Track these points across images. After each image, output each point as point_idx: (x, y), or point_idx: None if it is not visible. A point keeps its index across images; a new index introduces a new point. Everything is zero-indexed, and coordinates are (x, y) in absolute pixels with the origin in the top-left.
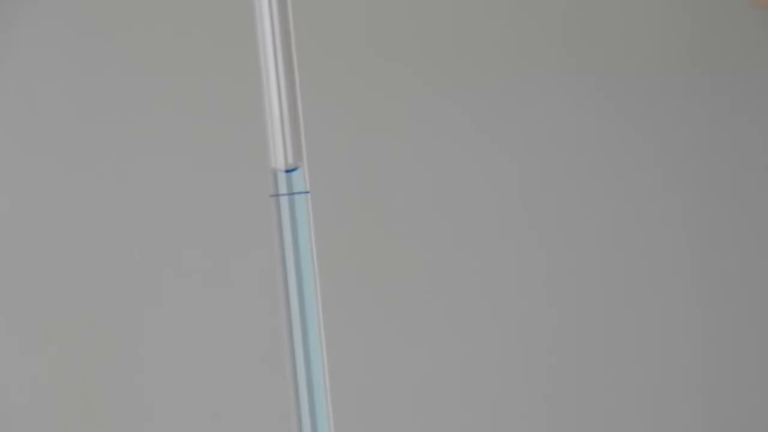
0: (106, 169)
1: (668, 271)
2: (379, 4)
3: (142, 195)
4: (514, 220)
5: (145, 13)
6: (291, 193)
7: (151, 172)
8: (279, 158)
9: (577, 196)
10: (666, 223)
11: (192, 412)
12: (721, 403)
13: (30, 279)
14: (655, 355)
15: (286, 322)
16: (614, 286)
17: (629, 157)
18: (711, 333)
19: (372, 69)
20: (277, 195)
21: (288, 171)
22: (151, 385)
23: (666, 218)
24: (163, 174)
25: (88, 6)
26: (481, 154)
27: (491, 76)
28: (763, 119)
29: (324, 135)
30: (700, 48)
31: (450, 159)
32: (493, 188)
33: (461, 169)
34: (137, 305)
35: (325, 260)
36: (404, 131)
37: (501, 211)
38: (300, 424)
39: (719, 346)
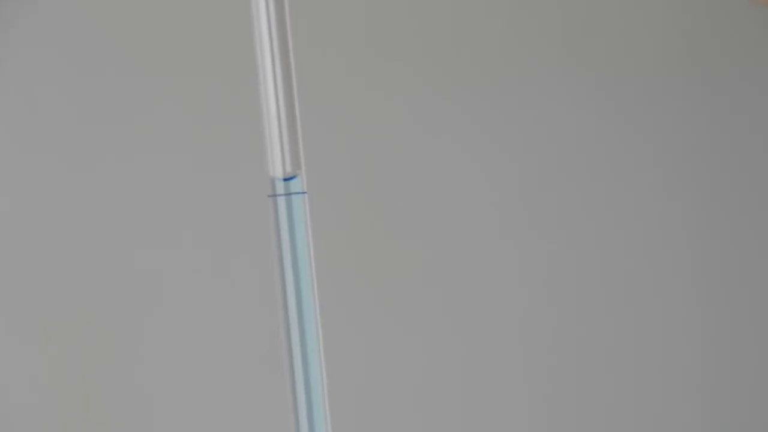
0: (106, 169)
1: (668, 271)
2: (379, 4)
3: (142, 195)
4: (514, 220)
5: (145, 13)
6: (288, 194)
7: (151, 172)
8: (277, 166)
9: (577, 195)
10: (666, 222)
11: (192, 412)
12: (721, 403)
13: (30, 279)
14: (655, 355)
15: (284, 323)
16: (614, 286)
17: (629, 157)
18: (711, 333)
19: (372, 69)
20: (274, 195)
21: (286, 179)
22: (151, 385)
23: (666, 218)
24: (163, 174)
25: (88, 6)
26: (481, 154)
27: (491, 76)
28: (763, 119)
29: (323, 135)
30: (700, 48)
31: (450, 159)
32: (493, 188)
33: (461, 169)
34: (137, 305)
35: (323, 260)
36: (404, 131)
37: (501, 211)
38: (297, 424)
39: (719, 345)
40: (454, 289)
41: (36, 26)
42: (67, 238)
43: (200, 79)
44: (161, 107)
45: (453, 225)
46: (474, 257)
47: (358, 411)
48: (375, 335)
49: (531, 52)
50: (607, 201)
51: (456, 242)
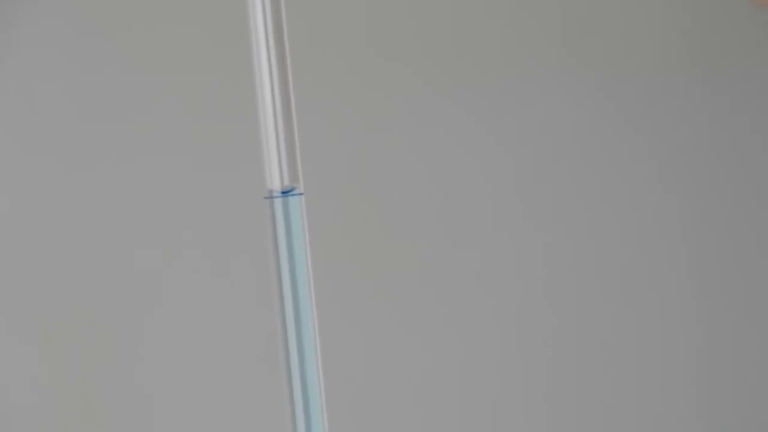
0: (106, 169)
1: (668, 271)
2: (379, 4)
3: (142, 195)
4: (514, 219)
5: (145, 13)
6: (285, 194)
7: (151, 172)
8: (275, 180)
9: (577, 195)
10: (665, 222)
11: (191, 412)
12: (717, 395)
13: (30, 279)
14: (651, 347)
15: (282, 323)
16: (610, 279)
17: (629, 157)
18: (706, 324)
19: (371, 69)
20: (271, 197)
21: (284, 192)
22: (151, 385)
23: (665, 217)
24: (163, 174)
25: (88, 6)
26: (482, 154)
27: (491, 76)
28: (763, 119)
29: (322, 136)
30: (700, 48)
31: (450, 160)
32: (495, 189)
33: (462, 171)
34: (137, 305)
35: (320, 261)
36: (403, 132)
37: (502, 210)
38: (295, 423)
39: (714, 337)
40: (451, 286)
41: (36, 26)
42: (67, 238)
43: (200, 79)
44: (161, 107)
45: (452, 227)
46: (470, 257)
47: (355, 410)
48: (372, 334)
49: (531, 52)
50: (607, 200)
51: (453, 243)
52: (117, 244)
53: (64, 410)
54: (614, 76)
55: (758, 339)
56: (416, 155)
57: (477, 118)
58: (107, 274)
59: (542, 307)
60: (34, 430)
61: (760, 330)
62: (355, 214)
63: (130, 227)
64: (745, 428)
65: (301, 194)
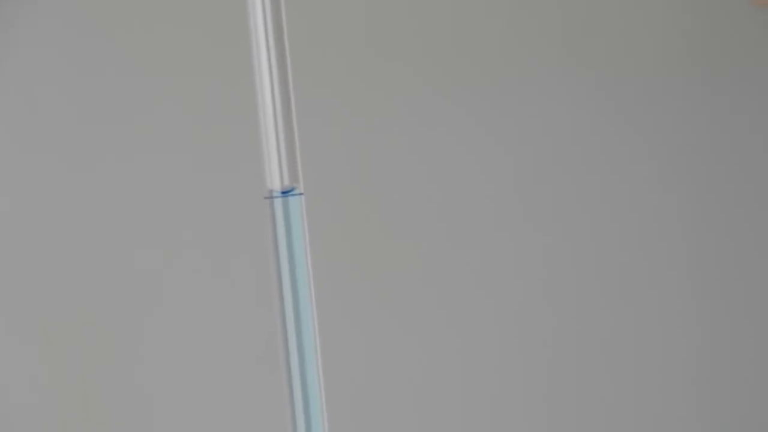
0: (106, 169)
1: (668, 271)
2: (379, 4)
3: (142, 195)
4: (514, 219)
5: (145, 13)
6: (285, 194)
7: (151, 172)
8: (275, 180)
9: (577, 195)
10: (665, 222)
11: (191, 412)
12: (720, 400)
13: (30, 279)
14: (651, 347)
15: (282, 323)
16: (610, 279)
17: (629, 157)
18: (706, 324)
19: (371, 69)
20: (271, 197)
21: (284, 192)
22: (151, 385)
23: (665, 217)
24: (163, 174)
25: (88, 6)
26: (482, 154)
27: (491, 76)
28: (763, 119)
29: (321, 136)
30: (700, 48)
31: (450, 160)
32: (495, 188)
33: (462, 171)
34: (137, 305)
35: (320, 261)
36: (403, 132)
37: (502, 210)
38: (295, 423)
39: (714, 337)
40: (451, 286)
41: (36, 26)
42: (67, 238)
43: (200, 79)
44: (161, 107)
45: (452, 227)
46: (470, 257)
47: (356, 410)
48: (372, 334)
49: (531, 52)
50: (607, 200)
51: (453, 243)
52: (117, 244)
53: (64, 410)
54: (614, 76)
55: (758, 339)
56: (416, 155)
57: (477, 118)
58: (107, 274)
59: (542, 307)
60: (34, 430)
61: (760, 330)
62: (355, 214)
63: (130, 227)
64: (745, 428)
65: (301, 194)
